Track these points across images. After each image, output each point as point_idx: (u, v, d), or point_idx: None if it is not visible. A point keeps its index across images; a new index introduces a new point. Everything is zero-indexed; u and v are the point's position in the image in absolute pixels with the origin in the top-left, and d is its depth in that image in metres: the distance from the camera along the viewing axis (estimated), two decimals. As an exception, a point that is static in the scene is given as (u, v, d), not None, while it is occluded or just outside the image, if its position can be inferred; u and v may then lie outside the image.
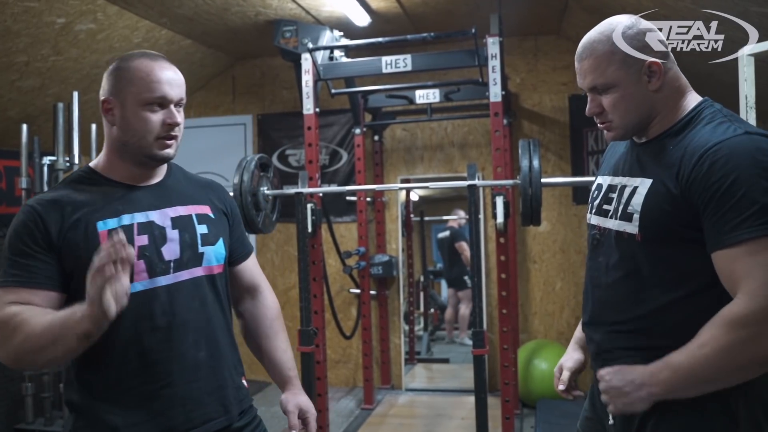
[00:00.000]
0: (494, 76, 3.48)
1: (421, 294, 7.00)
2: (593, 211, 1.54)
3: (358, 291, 5.03)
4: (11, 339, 1.29)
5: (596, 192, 1.56)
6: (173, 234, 1.47)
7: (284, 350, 1.72)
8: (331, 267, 5.02)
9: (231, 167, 5.44)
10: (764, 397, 1.28)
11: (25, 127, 4.01)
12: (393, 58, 3.66)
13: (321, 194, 3.78)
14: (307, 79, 3.74)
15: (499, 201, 3.33)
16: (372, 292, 5.05)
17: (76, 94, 4.03)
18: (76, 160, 4.09)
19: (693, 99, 1.40)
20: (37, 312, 1.31)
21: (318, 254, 3.69)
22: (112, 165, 1.48)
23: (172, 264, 1.45)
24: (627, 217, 1.37)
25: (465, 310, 7.02)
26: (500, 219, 3.33)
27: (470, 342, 6.75)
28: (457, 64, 3.78)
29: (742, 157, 1.21)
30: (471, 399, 4.72)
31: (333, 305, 4.61)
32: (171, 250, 1.46)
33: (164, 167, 1.55)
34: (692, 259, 1.29)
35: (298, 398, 1.66)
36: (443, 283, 7.70)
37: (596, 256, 1.50)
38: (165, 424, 1.41)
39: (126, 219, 1.43)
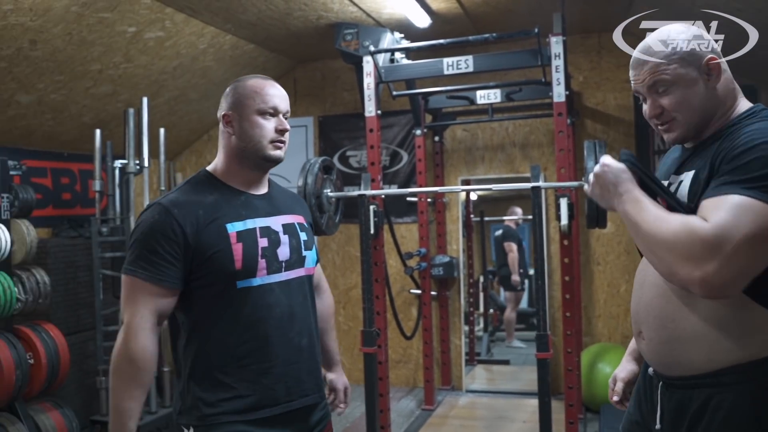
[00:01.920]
0: (558, 76, 3.43)
1: (481, 294, 6.94)
2: None
3: (418, 291, 5.04)
4: (128, 368, 1.56)
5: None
6: (285, 238, 1.72)
7: (334, 340, 2.11)
8: (391, 267, 5.03)
9: (293, 169, 5.52)
10: None
11: (98, 132, 4.18)
12: (455, 59, 3.64)
13: (383, 196, 3.80)
14: (368, 81, 3.77)
15: (563, 203, 3.28)
16: (432, 293, 5.05)
17: (145, 100, 4.18)
18: (146, 163, 4.24)
19: (745, 104, 1.44)
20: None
21: (380, 255, 3.71)
22: (230, 171, 1.72)
23: (284, 264, 1.70)
24: (675, 208, 1.38)
25: (510, 313, 6.92)
26: (564, 221, 3.28)
27: (519, 345, 6.78)
28: (520, 64, 3.74)
29: (764, 132, 1.27)
30: (532, 402, 4.68)
31: (394, 306, 4.62)
32: (283, 252, 1.70)
33: (267, 181, 1.79)
34: None
35: (344, 379, 2.06)
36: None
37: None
38: (272, 396, 1.65)
39: (250, 223, 1.66)
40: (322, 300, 2.01)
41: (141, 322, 1.56)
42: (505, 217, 7.05)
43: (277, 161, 1.71)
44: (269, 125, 1.67)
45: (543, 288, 3.17)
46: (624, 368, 1.72)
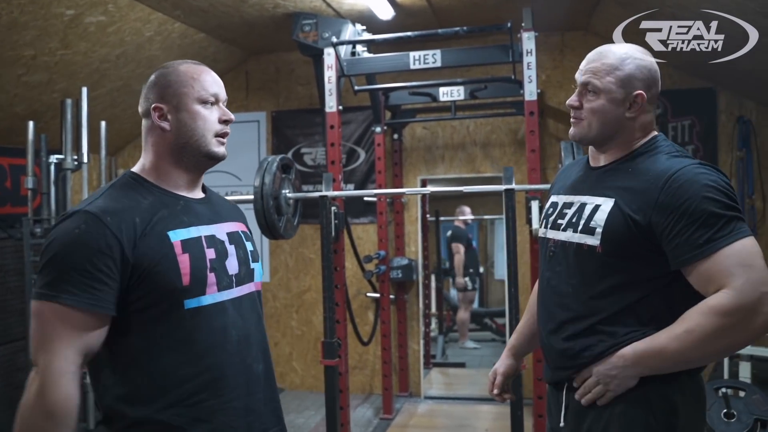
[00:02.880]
0: (529, 73, 3.28)
1: (433, 294, 6.81)
2: (548, 226, 1.68)
3: (376, 295, 4.85)
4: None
5: (551, 209, 1.71)
6: (231, 249, 1.49)
7: None
8: (347, 270, 4.82)
9: (244, 166, 5.33)
10: (694, 388, 1.49)
11: (31, 124, 3.86)
12: (422, 53, 3.46)
13: (344, 197, 3.59)
14: (330, 75, 3.54)
15: (535, 205, 3.16)
16: (390, 296, 4.86)
17: (85, 90, 3.88)
18: (85, 159, 3.94)
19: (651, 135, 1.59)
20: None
21: (341, 260, 3.50)
22: (162, 172, 1.47)
23: (234, 279, 1.47)
24: (589, 231, 1.52)
25: (463, 313, 6.86)
26: (536, 224, 3.14)
27: (473, 345, 6.70)
28: (490, 60, 3.58)
29: (701, 182, 1.40)
30: (491, 408, 4.61)
31: (351, 311, 4.42)
32: (232, 265, 1.48)
33: (202, 183, 1.56)
34: (643, 270, 1.46)
35: None
36: (451, 281, 7.57)
37: (554, 266, 1.63)
38: None
39: (194, 231, 1.43)
40: None
41: (64, 365, 1.25)
42: (462, 217, 6.97)
43: (220, 159, 1.49)
44: (212, 116, 1.46)
45: (516, 295, 3.02)
46: (503, 363, 1.86)
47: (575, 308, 1.55)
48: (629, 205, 1.46)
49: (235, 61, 5.19)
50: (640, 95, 1.51)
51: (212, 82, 1.47)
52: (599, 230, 1.49)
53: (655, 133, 1.58)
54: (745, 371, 3.64)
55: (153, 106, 1.44)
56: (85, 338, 1.28)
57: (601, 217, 1.50)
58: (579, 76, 1.57)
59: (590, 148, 1.66)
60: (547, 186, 3.09)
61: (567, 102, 1.60)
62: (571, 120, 1.60)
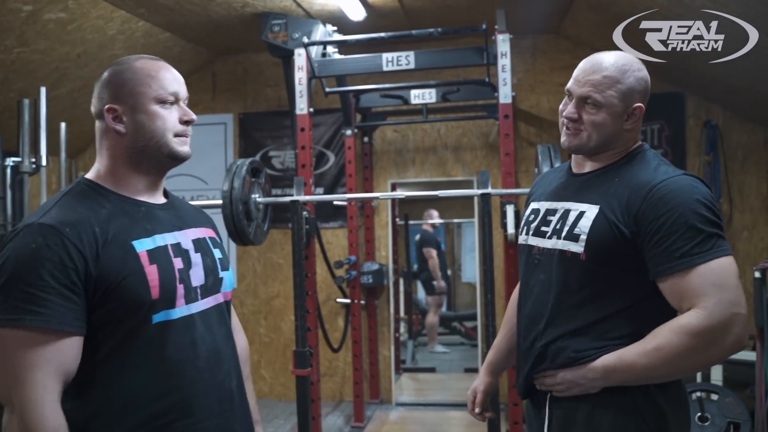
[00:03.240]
0: (504, 76, 3.24)
1: (401, 298, 6.75)
2: (530, 233, 1.65)
3: (346, 301, 4.76)
4: None
5: (532, 216, 1.68)
6: (197, 258, 1.39)
7: (253, 395, 1.62)
8: (317, 276, 4.72)
9: (210, 169, 5.20)
10: (679, 392, 1.50)
11: (-14, 125, 3.68)
12: (395, 54, 3.40)
13: (315, 202, 3.51)
14: (300, 76, 3.45)
15: (510, 210, 3.11)
16: (361, 302, 4.78)
17: (43, 90, 3.73)
18: (44, 162, 3.78)
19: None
20: None
21: (312, 266, 3.41)
22: (120, 177, 1.35)
23: (199, 290, 1.37)
24: (573, 237, 1.50)
25: (432, 317, 6.84)
26: (511, 230, 3.10)
27: (442, 350, 6.67)
28: (464, 62, 3.53)
29: (686, 194, 1.39)
30: (463, 414, 4.55)
31: (321, 318, 4.33)
32: (197, 275, 1.38)
33: (163, 187, 1.46)
34: (626, 279, 1.45)
35: None
36: (419, 285, 7.54)
37: (537, 274, 1.60)
38: None
39: (159, 239, 1.33)
40: (236, 347, 1.57)
41: (42, 395, 1.13)
42: (431, 221, 6.93)
43: (184, 159, 1.39)
44: (172, 116, 1.35)
45: (492, 301, 2.98)
46: (483, 381, 1.83)
47: (557, 316, 1.53)
48: (614, 213, 1.45)
49: (202, 61, 5.06)
50: (639, 108, 1.51)
51: (172, 80, 1.36)
52: (583, 237, 1.48)
53: (641, 142, 1.59)
54: (717, 375, 3.66)
55: (107, 107, 1.32)
56: (60, 360, 1.17)
57: (585, 224, 1.49)
58: (576, 88, 1.53)
59: (577, 155, 1.63)
60: (522, 190, 3.07)
61: (564, 113, 1.55)
62: (566, 130, 1.57)
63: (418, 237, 7.01)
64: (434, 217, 7.03)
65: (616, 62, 1.50)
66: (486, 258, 2.99)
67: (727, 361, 3.70)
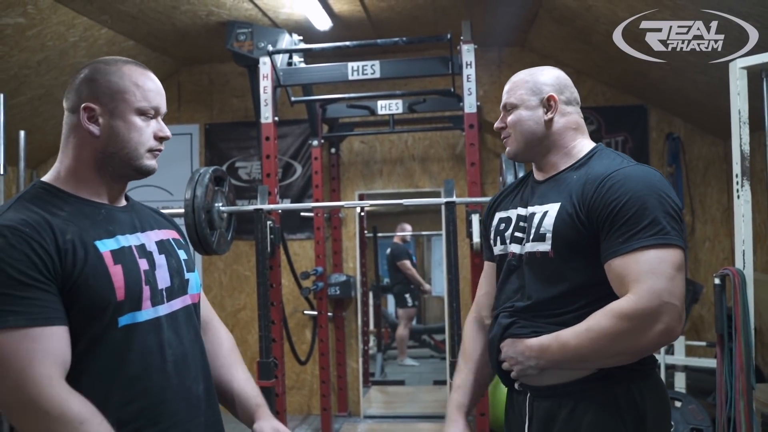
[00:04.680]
0: (469, 86, 3.26)
1: (371, 311, 6.72)
2: (508, 241, 1.65)
3: (313, 313, 4.72)
4: None
5: (503, 225, 1.69)
6: (161, 259, 1.36)
7: (247, 380, 1.56)
8: (284, 287, 4.68)
9: (175, 180, 5.12)
10: (658, 389, 1.51)
11: (-59, 133, 3.56)
12: (360, 63, 3.39)
13: (280, 211, 3.47)
14: (265, 85, 3.43)
15: (475, 219, 3.11)
16: (328, 314, 4.74)
17: (1, 97, 3.60)
18: (1, 171, 3.66)
19: (588, 143, 1.63)
20: None
21: (277, 276, 3.37)
22: (81, 180, 1.31)
23: (164, 292, 1.34)
24: (540, 237, 1.53)
25: (402, 330, 6.82)
26: (476, 239, 3.10)
27: (412, 363, 6.65)
28: (430, 71, 3.55)
29: (635, 181, 1.42)
30: (432, 426, 4.54)
31: (288, 329, 4.28)
32: (163, 277, 1.34)
33: (124, 194, 1.42)
34: (594, 272, 1.45)
35: (273, 422, 1.48)
36: (390, 298, 7.51)
37: (513, 279, 1.62)
38: None
39: (122, 240, 1.29)
40: (214, 335, 1.57)
41: (54, 385, 1.11)
42: (401, 234, 6.93)
43: (149, 173, 1.36)
44: (149, 129, 1.32)
45: (458, 310, 2.97)
46: (458, 426, 1.68)
47: (531, 318, 1.54)
48: (573, 206, 1.48)
49: (167, 71, 5.00)
50: (551, 96, 1.58)
51: (155, 93, 1.34)
52: (549, 235, 1.50)
53: (594, 144, 1.62)
54: (680, 382, 3.69)
55: (84, 105, 1.28)
56: (56, 352, 1.14)
57: (549, 222, 1.51)
58: (503, 102, 1.66)
59: (534, 164, 1.68)
60: (486, 199, 3.07)
61: (494, 127, 1.68)
62: (503, 141, 1.67)
63: (389, 251, 7.01)
64: (407, 230, 7.03)
65: (527, 70, 1.64)
66: (452, 267, 2.99)
67: (690, 368, 3.74)
